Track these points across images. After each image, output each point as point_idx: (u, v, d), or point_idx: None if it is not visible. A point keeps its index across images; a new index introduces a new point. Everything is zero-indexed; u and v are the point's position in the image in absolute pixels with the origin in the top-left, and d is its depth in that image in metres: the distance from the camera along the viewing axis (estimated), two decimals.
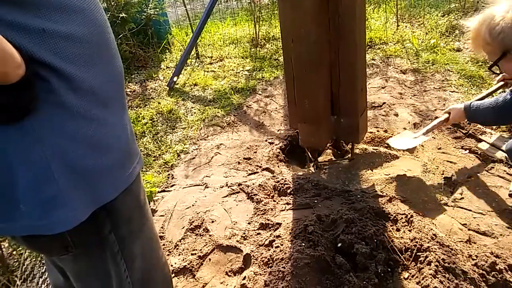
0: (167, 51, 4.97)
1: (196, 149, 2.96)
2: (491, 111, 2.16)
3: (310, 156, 2.52)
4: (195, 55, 4.71)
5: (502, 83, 2.40)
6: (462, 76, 3.42)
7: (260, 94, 3.70)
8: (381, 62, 4.00)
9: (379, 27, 4.83)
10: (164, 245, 2.07)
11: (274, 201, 2.23)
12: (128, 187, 1.01)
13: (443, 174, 2.27)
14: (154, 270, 1.22)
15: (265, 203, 2.20)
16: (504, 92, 2.05)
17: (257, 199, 2.23)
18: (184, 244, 2.05)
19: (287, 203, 2.17)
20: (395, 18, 4.92)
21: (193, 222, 2.16)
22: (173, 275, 1.86)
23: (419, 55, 3.98)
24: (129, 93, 3.97)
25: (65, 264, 1.06)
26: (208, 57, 4.75)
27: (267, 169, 2.57)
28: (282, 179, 2.36)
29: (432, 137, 2.63)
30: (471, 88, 3.21)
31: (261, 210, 2.15)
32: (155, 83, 4.20)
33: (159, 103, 3.70)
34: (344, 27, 2.03)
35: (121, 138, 1.00)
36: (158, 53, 4.83)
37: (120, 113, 1.00)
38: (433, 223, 1.88)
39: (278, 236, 1.89)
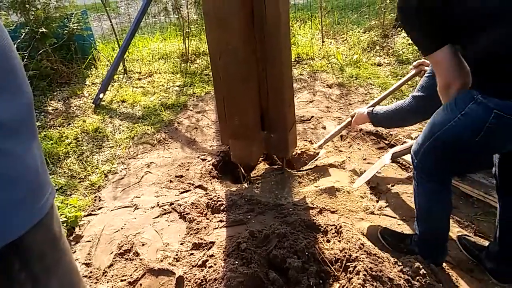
0: (93, 66, 4.77)
1: (125, 168, 2.84)
2: (391, 115, 2.33)
3: (243, 171, 2.52)
4: (122, 70, 4.57)
5: (414, 71, 2.54)
6: (383, 90, 3.64)
7: (191, 110, 3.66)
8: (308, 77, 4.14)
9: (305, 43, 5.02)
10: (91, 272, 1.95)
11: (208, 219, 2.19)
12: (39, 221, 0.94)
13: (369, 183, 2.37)
14: None
15: (198, 221, 2.15)
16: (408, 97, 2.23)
17: (190, 218, 2.18)
18: (113, 270, 1.94)
19: (221, 221, 2.14)
20: (321, 35, 5.14)
21: (122, 246, 2.05)
22: None
23: (344, 70, 4.18)
24: (51, 111, 3.74)
25: None
26: (137, 72, 4.63)
27: (200, 186, 2.53)
28: (215, 196, 2.33)
29: (358, 149, 2.75)
30: (392, 101, 3.42)
31: (194, 229, 2.10)
32: (80, 100, 4.00)
33: (84, 121, 3.52)
34: (271, 44, 2.07)
35: (30, 169, 0.92)
36: (83, 69, 4.61)
37: (29, 143, 0.93)
38: (361, 232, 1.95)
39: (211, 256, 1.86)
